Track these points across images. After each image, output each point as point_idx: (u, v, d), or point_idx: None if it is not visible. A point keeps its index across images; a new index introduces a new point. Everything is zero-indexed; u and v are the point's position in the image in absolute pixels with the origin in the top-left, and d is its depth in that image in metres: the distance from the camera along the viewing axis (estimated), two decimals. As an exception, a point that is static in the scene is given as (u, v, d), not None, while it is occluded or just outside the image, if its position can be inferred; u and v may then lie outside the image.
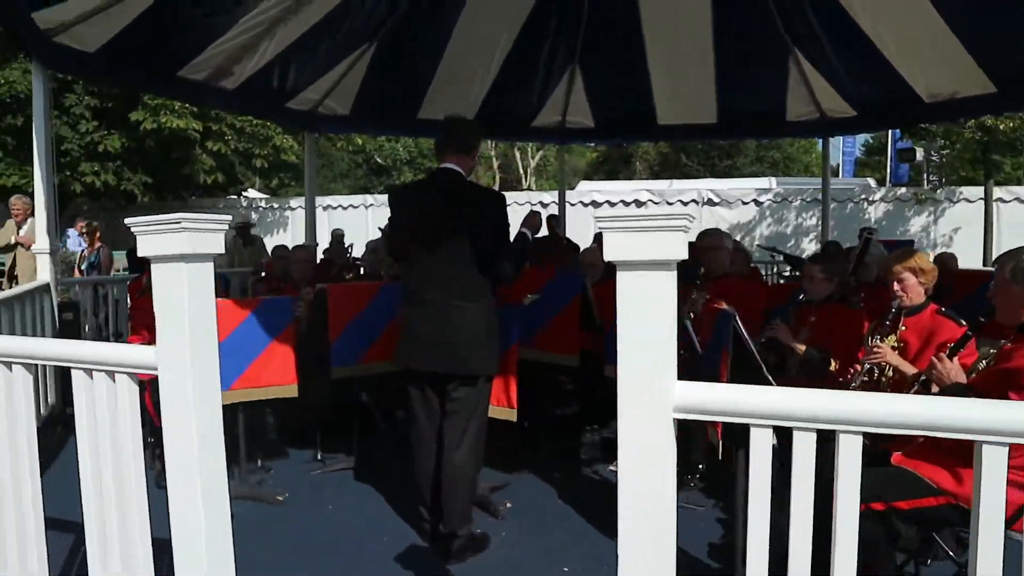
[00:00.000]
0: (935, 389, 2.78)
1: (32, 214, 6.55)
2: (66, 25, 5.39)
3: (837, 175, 22.57)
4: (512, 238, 3.24)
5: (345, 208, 14.33)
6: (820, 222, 8.56)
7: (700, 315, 4.36)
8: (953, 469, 2.47)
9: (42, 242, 5.51)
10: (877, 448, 2.87)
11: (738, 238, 12.30)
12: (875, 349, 3.19)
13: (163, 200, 13.70)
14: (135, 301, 4.73)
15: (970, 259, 10.26)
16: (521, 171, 33.12)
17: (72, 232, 10.52)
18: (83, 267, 6.73)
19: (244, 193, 17.83)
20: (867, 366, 3.25)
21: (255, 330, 3.86)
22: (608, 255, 1.49)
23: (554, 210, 9.77)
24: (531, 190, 28.57)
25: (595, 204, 13.04)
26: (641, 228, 1.44)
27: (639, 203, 12.83)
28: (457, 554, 3.10)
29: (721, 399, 1.47)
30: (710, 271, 4.55)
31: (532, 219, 3.38)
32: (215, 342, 2.01)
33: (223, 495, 2.04)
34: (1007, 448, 1.31)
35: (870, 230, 5.14)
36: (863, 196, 12.30)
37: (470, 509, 3.23)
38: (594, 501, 3.77)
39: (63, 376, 5.21)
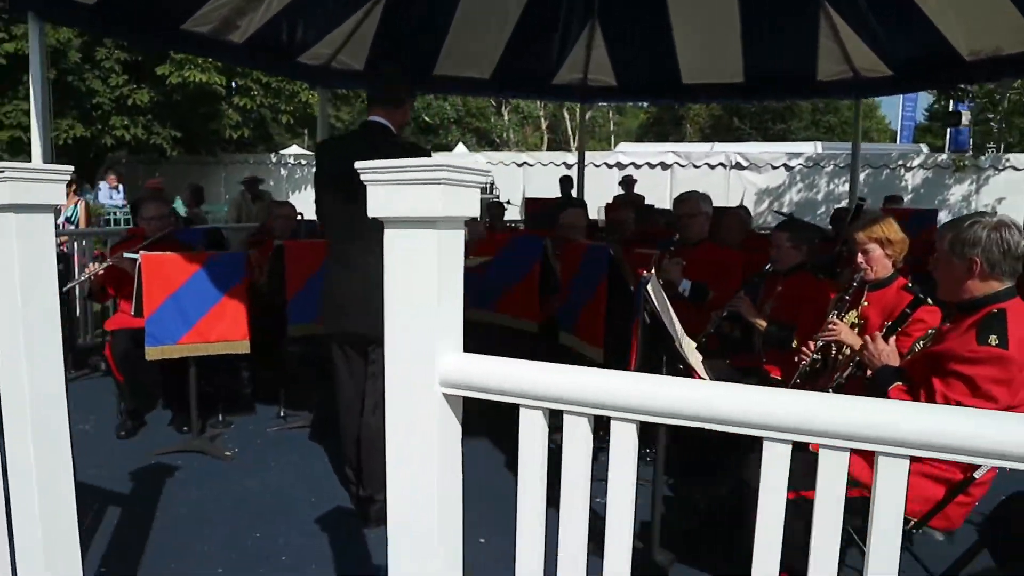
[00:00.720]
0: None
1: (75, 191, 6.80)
2: (60, -26, 5.37)
3: (895, 140, 21.48)
4: None
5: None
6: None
7: (666, 285, 4.18)
8: (870, 460, 2.27)
9: (38, 193, 5.59)
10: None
11: (767, 204, 11.87)
12: (830, 325, 2.96)
13: (195, 154, 13.93)
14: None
15: (1016, 231, 9.58)
16: (570, 132, 32.66)
17: (104, 185, 10.77)
18: (59, 221, 6.86)
19: (285, 151, 17.99)
20: (820, 343, 3.02)
21: (205, 285, 3.84)
22: (371, 211, 1.36)
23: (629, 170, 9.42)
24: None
25: (620, 166, 12.67)
26: (400, 181, 1.30)
27: (665, 166, 12.43)
28: (375, 519, 3.04)
29: (493, 374, 1.33)
30: (686, 237, 4.32)
31: None
32: (54, 297, 1.95)
33: (63, 454, 2.00)
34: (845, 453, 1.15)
35: (862, 198, 4.79)
36: (900, 162, 11.57)
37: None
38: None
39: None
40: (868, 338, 2.55)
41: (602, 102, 11.17)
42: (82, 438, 4.12)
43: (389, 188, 1.32)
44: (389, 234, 1.37)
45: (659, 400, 1.20)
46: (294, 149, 18.97)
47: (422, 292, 1.32)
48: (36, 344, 1.92)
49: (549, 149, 30.13)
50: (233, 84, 12.25)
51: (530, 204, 8.32)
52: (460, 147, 21.68)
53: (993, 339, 2.07)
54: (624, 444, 1.25)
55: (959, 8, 6.49)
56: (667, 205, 11.28)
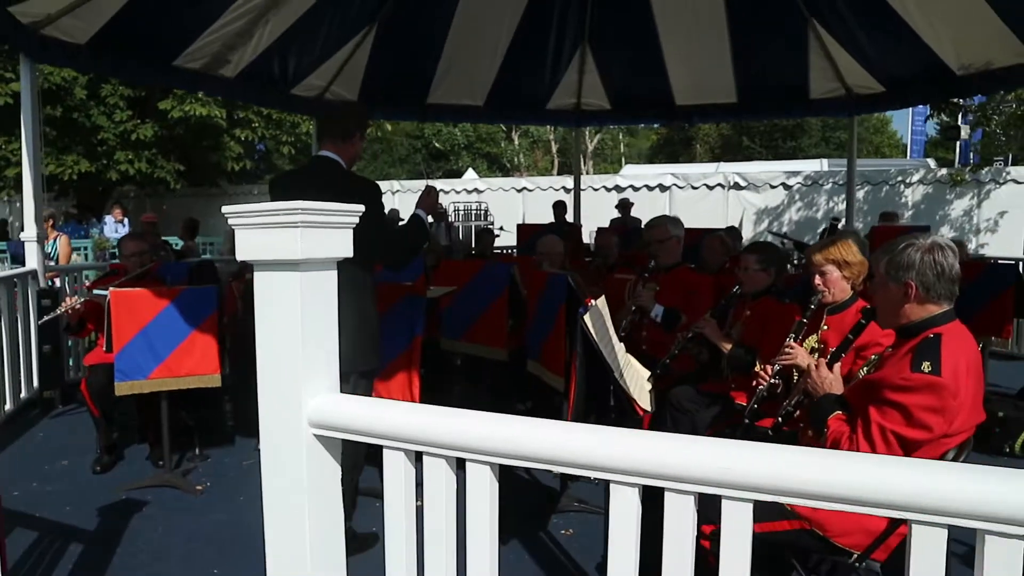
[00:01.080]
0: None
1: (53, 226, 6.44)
2: (52, 18, 5.50)
3: (905, 155, 21.27)
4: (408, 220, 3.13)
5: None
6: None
7: (639, 311, 4.15)
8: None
9: (29, 230, 5.68)
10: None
11: (765, 223, 11.75)
12: (786, 349, 2.91)
13: (199, 186, 14.12)
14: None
15: (1018, 245, 9.41)
16: (580, 155, 32.74)
17: (109, 219, 10.92)
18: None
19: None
20: (777, 367, 2.97)
21: (175, 320, 3.86)
22: (239, 254, 1.35)
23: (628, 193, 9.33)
24: (589, 174, 28.16)
25: (619, 189, 12.65)
26: (262, 225, 1.30)
27: (663, 187, 12.37)
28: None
29: (358, 415, 1.31)
30: (659, 262, 4.29)
31: (427, 198, 3.20)
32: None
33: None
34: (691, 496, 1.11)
35: (835, 217, 4.73)
36: (900, 178, 11.39)
37: (350, 507, 3.13)
38: (522, 500, 3.64)
39: (43, 364, 5.43)
40: (811, 365, 2.50)
41: (597, 125, 11.15)
42: (60, 473, 4.17)
43: (253, 232, 1.31)
44: (257, 276, 1.36)
45: (511, 443, 1.17)
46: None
47: (286, 333, 1.32)
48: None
49: (560, 173, 30.20)
50: (235, 116, 12.43)
51: (522, 230, 8.32)
52: (469, 172, 21.82)
53: (926, 366, 2.02)
54: (479, 487, 1.22)
55: (947, 23, 6.46)
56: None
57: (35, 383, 5.51)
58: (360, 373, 3.01)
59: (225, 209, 1.35)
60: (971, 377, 2.06)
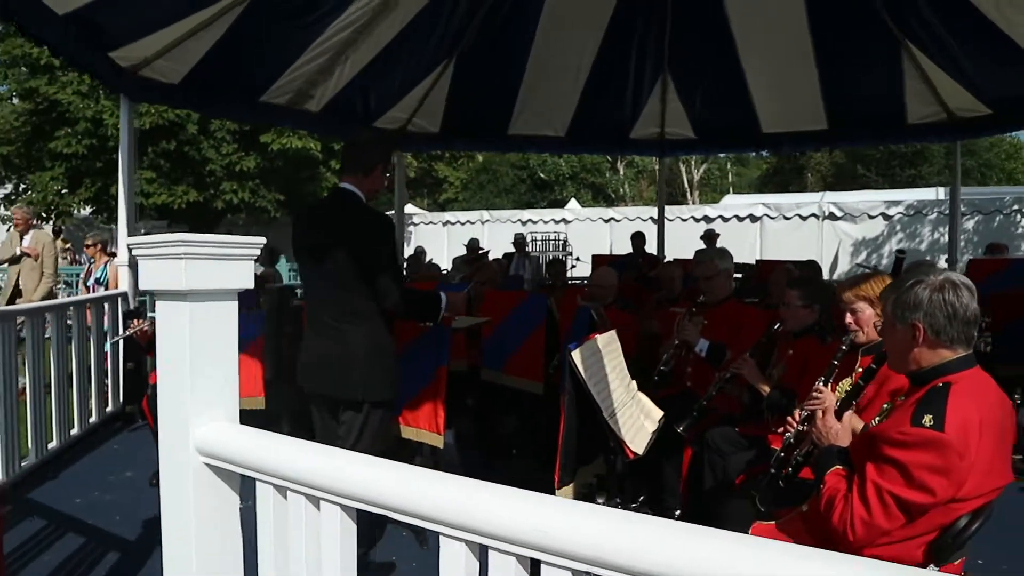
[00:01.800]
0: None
1: (32, 225, 6.65)
2: (148, 60, 5.94)
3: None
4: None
5: (463, 223, 14.65)
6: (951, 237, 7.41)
7: (683, 345, 3.98)
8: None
9: (122, 255, 6.09)
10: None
11: (863, 256, 11.03)
12: (815, 393, 2.69)
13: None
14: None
15: None
16: (686, 184, 32.21)
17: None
18: (89, 283, 6.66)
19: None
20: (806, 413, 2.75)
21: (221, 342, 4.02)
22: (141, 284, 1.38)
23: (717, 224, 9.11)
24: (694, 204, 27.60)
25: (707, 219, 12.24)
26: (154, 256, 1.32)
27: (754, 218, 11.87)
28: None
29: (239, 448, 1.29)
30: (708, 298, 4.11)
31: (455, 300, 3.24)
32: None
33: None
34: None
35: (900, 250, 4.36)
36: (1016, 207, 10.38)
37: (369, 535, 3.13)
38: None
39: (126, 379, 5.79)
40: (818, 413, 2.29)
41: (682, 155, 10.93)
42: (121, 484, 4.40)
43: (149, 263, 1.33)
44: (157, 305, 1.38)
45: (349, 484, 1.12)
46: (410, 208, 19.79)
47: (176, 362, 1.32)
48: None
49: (666, 203, 29.75)
50: (331, 148, 13.04)
51: (598, 261, 8.21)
52: (572, 203, 21.85)
53: (928, 419, 1.79)
54: (331, 527, 1.17)
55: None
56: (758, 258, 10.84)
57: (120, 399, 5.88)
58: (372, 404, 2.99)
59: (128, 241, 1.38)
60: (989, 434, 1.82)
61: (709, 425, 3.65)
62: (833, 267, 10.93)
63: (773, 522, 2.20)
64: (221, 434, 1.31)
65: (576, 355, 2.31)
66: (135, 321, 4.57)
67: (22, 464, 4.30)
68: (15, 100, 13.14)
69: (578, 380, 2.31)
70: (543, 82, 8.15)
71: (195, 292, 1.30)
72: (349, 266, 2.94)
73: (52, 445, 4.75)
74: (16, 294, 6.58)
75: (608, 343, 2.64)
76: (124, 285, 6.09)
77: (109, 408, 5.73)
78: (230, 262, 1.34)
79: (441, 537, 1.02)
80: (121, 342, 5.76)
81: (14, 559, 3.20)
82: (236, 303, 1.40)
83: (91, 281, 6.49)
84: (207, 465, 1.33)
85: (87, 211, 14.00)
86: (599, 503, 3.97)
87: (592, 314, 3.16)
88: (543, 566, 0.91)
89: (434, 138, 9.04)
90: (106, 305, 5.81)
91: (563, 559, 0.89)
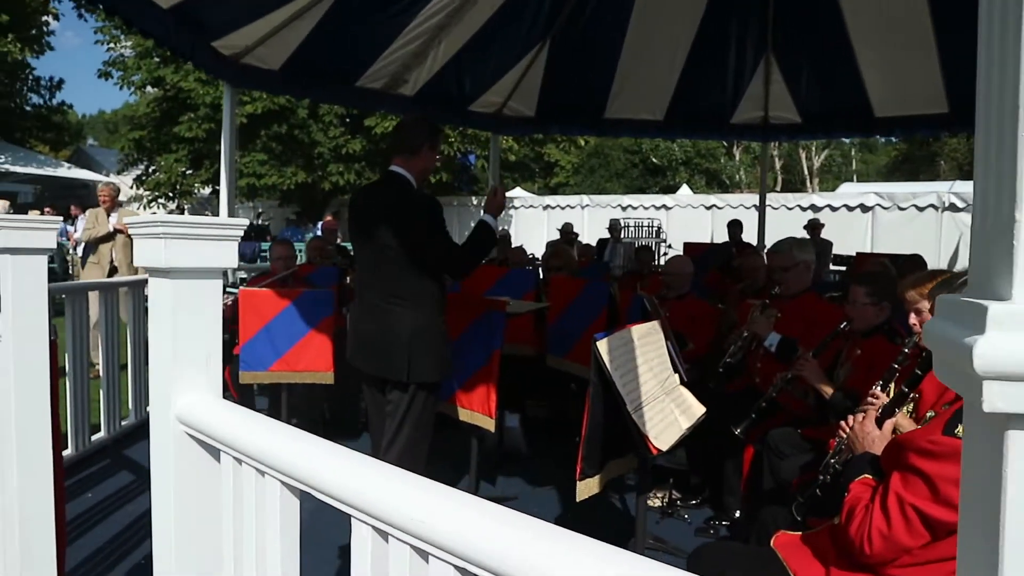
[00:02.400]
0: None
1: (118, 203, 6.51)
2: (249, 48, 6.25)
3: None
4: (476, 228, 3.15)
5: (563, 208, 14.56)
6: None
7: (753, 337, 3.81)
8: (827, 568, 1.89)
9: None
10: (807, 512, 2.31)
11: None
12: (870, 398, 2.52)
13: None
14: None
15: None
16: (806, 172, 30.76)
17: (320, 225, 12.04)
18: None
19: (508, 194, 18.88)
20: (860, 419, 2.58)
21: (295, 319, 4.21)
22: (136, 261, 1.46)
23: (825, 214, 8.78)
24: (813, 192, 26.36)
25: (814, 208, 11.56)
26: (143, 235, 1.39)
27: (865, 208, 11.08)
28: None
29: (209, 420, 1.35)
30: (783, 290, 3.92)
31: (493, 200, 3.20)
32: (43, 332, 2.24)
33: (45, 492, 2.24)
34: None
35: None
36: None
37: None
38: (593, 527, 3.51)
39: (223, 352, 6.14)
40: (858, 417, 2.14)
41: (786, 140, 10.38)
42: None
43: (140, 241, 1.41)
44: (149, 282, 1.46)
45: (277, 458, 1.15)
46: (517, 191, 19.90)
47: (160, 335, 1.40)
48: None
49: (784, 190, 28.54)
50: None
51: (689, 249, 7.98)
52: (684, 189, 21.33)
53: (961, 429, 1.64)
54: (272, 501, 1.20)
55: None
56: (868, 249, 10.19)
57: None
58: (418, 385, 3.04)
59: (125, 220, 1.46)
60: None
61: (774, 425, 3.50)
62: (953, 262, 10.10)
63: (799, 533, 2.07)
64: (196, 406, 1.38)
65: (602, 345, 2.26)
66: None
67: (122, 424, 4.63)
68: (149, 88, 14.21)
69: (603, 371, 2.26)
70: (640, 64, 7.96)
71: (176, 270, 1.37)
72: (395, 247, 2.99)
73: (127, 422, 4.85)
74: (112, 271, 6.76)
75: (646, 334, 2.57)
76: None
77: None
78: (210, 242, 1.39)
79: (352, 519, 1.03)
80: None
81: (75, 526, 3.36)
82: (219, 281, 1.46)
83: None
84: (187, 434, 1.40)
85: (207, 191, 15.03)
86: (659, 498, 3.89)
87: (645, 303, 3.07)
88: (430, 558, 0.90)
89: (530, 122, 9.03)
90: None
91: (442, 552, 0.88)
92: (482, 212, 3.19)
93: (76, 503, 3.58)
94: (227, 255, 1.43)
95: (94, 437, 4.32)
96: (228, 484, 1.31)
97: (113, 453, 4.35)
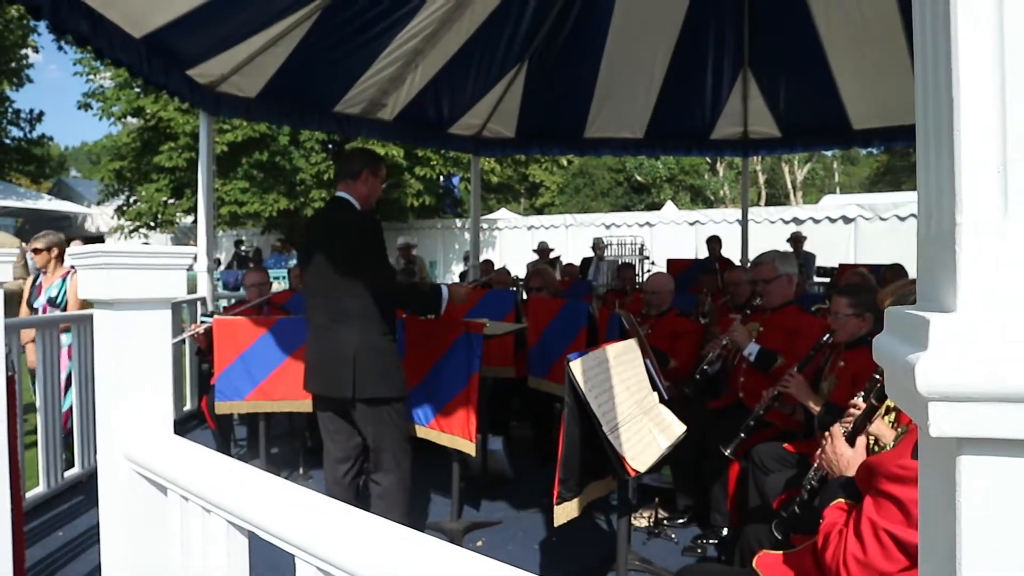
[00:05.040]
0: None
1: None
2: (225, 76, 6.23)
3: None
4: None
5: (546, 228, 14.55)
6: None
7: (731, 348, 3.78)
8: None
9: (201, 262, 6.38)
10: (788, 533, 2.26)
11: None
12: (851, 410, 2.48)
13: (386, 221, 15.17)
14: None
15: None
16: (789, 185, 30.99)
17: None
18: (37, 303, 4.63)
19: (491, 215, 18.88)
20: (844, 430, 2.54)
21: (271, 347, 4.14)
22: (80, 292, 1.40)
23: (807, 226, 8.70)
24: (797, 205, 26.51)
25: (797, 221, 11.62)
26: (85, 266, 1.33)
27: (847, 219, 11.14)
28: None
29: (164, 459, 1.29)
30: (765, 302, 3.89)
31: (458, 291, 3.28)
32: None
33: None
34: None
35: None
36: None
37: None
38: (578, 550, 3.45)
39: (201, 379, 6.05)
40: (828, 435, 2.10)
41: (766, 154, 10.46)
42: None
43: (83, 272, 1.36)
44: (95, 314, 1.40)
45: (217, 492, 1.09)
46: (502, 213, 19.89)
47: (105, 369, 1.34)
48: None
49: (768, 204, 28.70)
50: (416, 155, 13.28)
51: (672, 265, 7.97)
52: (668, 205, 21.41)
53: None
54: (218, 542, 1.14)
55: None
56: (851, 261, 10.23)
57: (190, 404, 6.15)
58: (380, 400, 3.01)
59: (69, 251, 1.40)
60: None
61: (760, 440, 3.46)
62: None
63: (781, 552, 2.02)
64: (143, 443, 1.32)
65: (576, 366, 2.22)
66: (192, 325, 4.76)
67: (64, 475, 4.39)
68: (129, 119, 14.15)
69: (578, 392, 2.21)
70: (618, 83, 8.01)
71: (120, 301, 1.32)
72: (338, 267, 3.00)
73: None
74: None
75: (622, 352, 2.52)
76: (204, 290, 6.37)
77: (187, 407, 6.00)
78: (155, 271, 1.34)
79: (296, 559, 0.97)
80: (191, 343, 6.01)
81: (44, 567, 3.31)
82: (168, 312, 1.41)
83: (41, 301, 4.62)
84: (136, 472, 1.34)
85: (190, 219, 14.94)
86: (644, 517, 3.83)
87: (623, 321, 3.03)
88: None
89: (510, 143, 9.05)
90: (185, 307, 6.10)
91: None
92: (444, 287, 3.22)
93: (47, 542, 3.48)
94: (173, 285, 1.38)
95: (68, 473, 4.20)
96: (175, 523, 1.25)
97: (87, 488, 4.24)
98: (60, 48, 12.42)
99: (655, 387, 2.95)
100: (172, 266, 1.37)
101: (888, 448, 2.13)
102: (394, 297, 3.08)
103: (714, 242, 8.56)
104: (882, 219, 10.87)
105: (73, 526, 3.69)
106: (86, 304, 4.09)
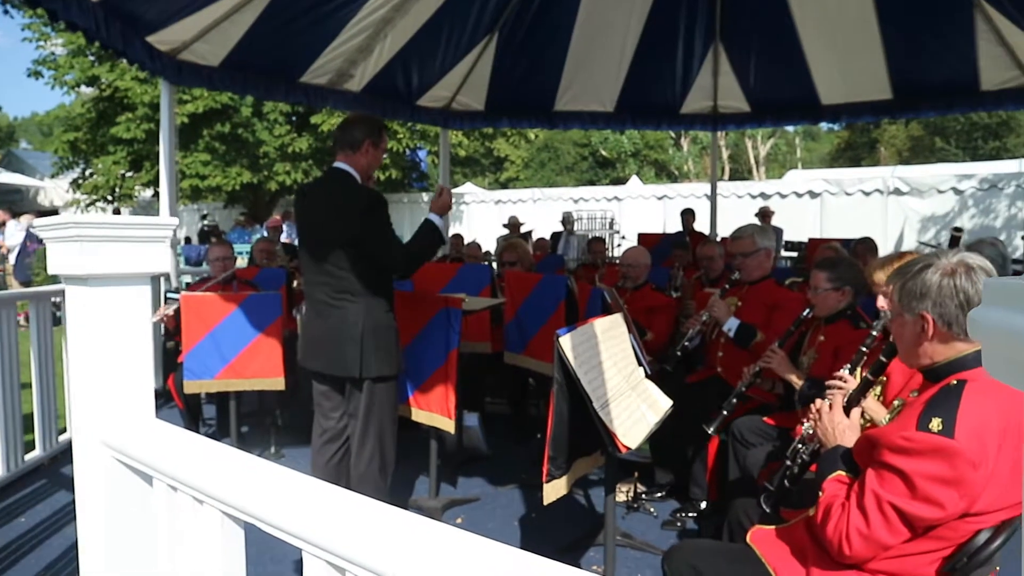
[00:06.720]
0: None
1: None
2: (187, 43, 5.99)
3: None
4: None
5: (514, 202, 14.48)
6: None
7: (710, 323, 3.78)
8: (807, 566, 1.83)
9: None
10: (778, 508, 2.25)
11: (932, 233, 10.36)
12: (836, 381, 2.48)
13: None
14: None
15: None
16: (752, 161, 31.25)
17: (286, 226, 11.56)
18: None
19: (458, 188, 18.67)
20: (827, 403, 2.54)
21: (241, 324, 4.03)
22: (50, 268, 1.31)
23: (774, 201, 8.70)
24: (760, 180, 26.73)
25: (764, 196, 11.70)
26: (56, 239, 1.24)
27: (813, 194, 11.26)
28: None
29: (147, 446, 1.21)
30: (743, 276, 3.89)
31: (438, 200, 3.13)
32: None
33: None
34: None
35: (958, 228, 3.98)
36: None
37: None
38: (559, 525, 3.44)
39: (166, 358, 5.89)
40: (823, 406, 2.09)
41: (735, 129, 10.49)
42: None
43: (52, 245, 1.26)
44: (65, 290, 1.31)
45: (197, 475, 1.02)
46: (468, 187, 19.67)
47: (80, 351, 1.25)
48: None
49: (731, 179, 28.92)
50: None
51: (644, 239, 7.97)
52: (633, 180, 21.39)
53: (936, 423, 1.58)
54: (211, 535, 1.07)
55: None
56: (818, 235, 10.35)
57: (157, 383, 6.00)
58: (374, 379, 2.94)
59: (36, 222, 1.30)
60: (1012, 439, 1.60)
61: (739, 414, 3.47)
62: (898, 245, 10.30)
63: (774, 527, 2.01)
64: (123, 429, 1.24)
65: (565, 342, 2.17)
66: (161, 307, 4.61)
67: (59, 439, 4.37)
68: (83, 88, 13.62)
69: (568, 369, 2.17)
70: (589, 56, 7.91)
71: (95, 276, 1.23)
72: (342, 243, 2.89)
73: (64, 437, 4.54)
74: None
75: (609, 327, 2.49)
76: (166, 266, 6.17)
77: (154, 386, 5.85)
78: (134, 244, 1.25)
79: (304, 553, 0.91)
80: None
81: (6, 555, 3.19)
82: (147, 287, 1.32)
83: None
84: (116, 459, 1.26)
85: (149, 193, 14.50)
86: (623, 492, 3.83)
87: (605, 296, 2.99)
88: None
89: (479, 115, 8.92)
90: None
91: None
92: (428, 211, 3.11)
93: (8, 528, 3.35)
94: (155, 258, 1.29)
95: (28, 456, 4.06)
96: (163, 514, 1.18)
97: (49, 472, 4.11)
98: (6, 12, 11.80)
99: (639, 362, 2.93)
100: (152, 238, 1.28)
101: (880, 424, 2.13)
102: (409, 268, 3.01)
103: (688, 215, 8.58)
104: (847, 194, 10.99)
105: (36, 511, 3.57)
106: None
